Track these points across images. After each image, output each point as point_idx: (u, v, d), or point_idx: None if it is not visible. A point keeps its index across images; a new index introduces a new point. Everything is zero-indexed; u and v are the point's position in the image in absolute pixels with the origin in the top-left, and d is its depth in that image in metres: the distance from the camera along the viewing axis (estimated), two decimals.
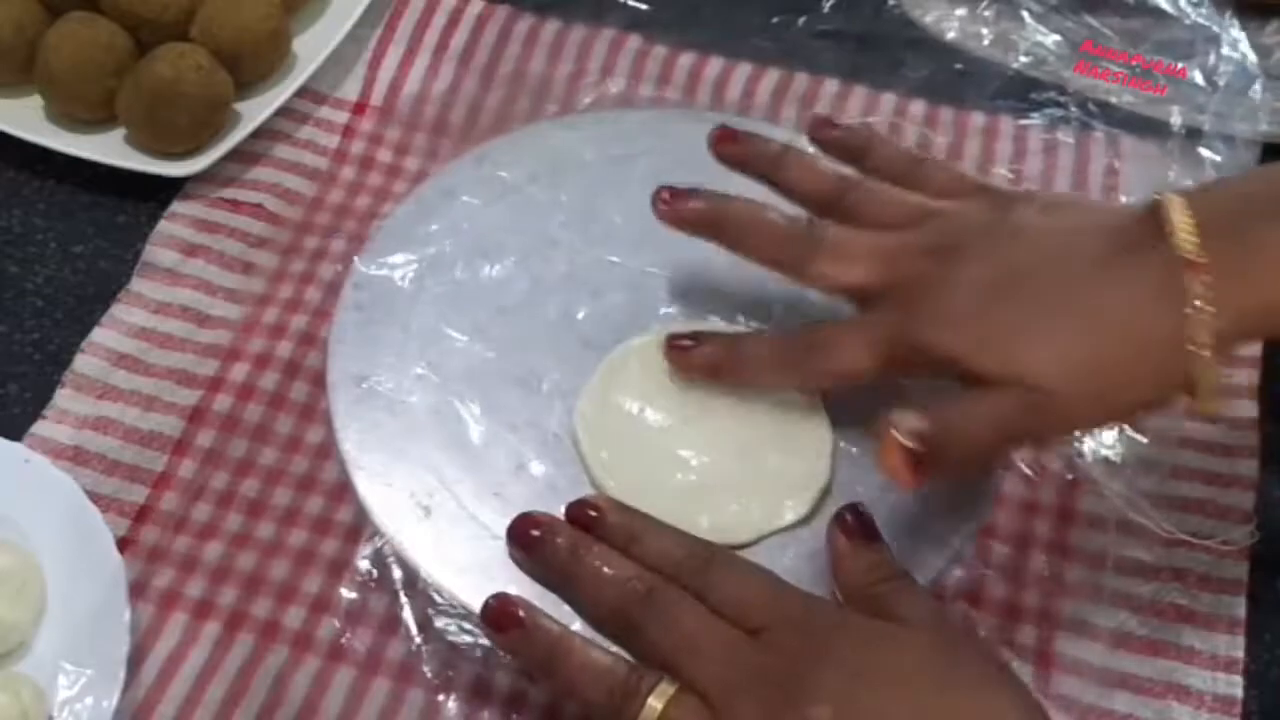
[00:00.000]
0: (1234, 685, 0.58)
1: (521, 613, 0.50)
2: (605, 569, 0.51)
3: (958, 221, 0.55)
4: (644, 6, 0.79)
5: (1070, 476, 0.62)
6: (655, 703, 0.47)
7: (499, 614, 0.51)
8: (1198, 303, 0.49)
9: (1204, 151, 0.72)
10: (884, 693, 0.46)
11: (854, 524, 0.53)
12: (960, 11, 0.78)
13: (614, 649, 0.50)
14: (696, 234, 0.59)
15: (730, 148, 0.61)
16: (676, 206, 0.59)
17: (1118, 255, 0.51)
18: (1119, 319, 0.50)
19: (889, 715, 0.46)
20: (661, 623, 0.49)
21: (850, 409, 0.59)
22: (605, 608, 0.50)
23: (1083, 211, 0.56)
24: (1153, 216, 0.51)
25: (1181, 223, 0.50)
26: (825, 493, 0.58)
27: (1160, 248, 0.50)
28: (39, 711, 0.54)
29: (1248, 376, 0.66)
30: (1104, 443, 0.63)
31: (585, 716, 0.54)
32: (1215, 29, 0.76)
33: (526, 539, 0.52)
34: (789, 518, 0.57)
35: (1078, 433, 0.60)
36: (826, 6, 0.79)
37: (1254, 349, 0.66)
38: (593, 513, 0.53)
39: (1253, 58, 0.76)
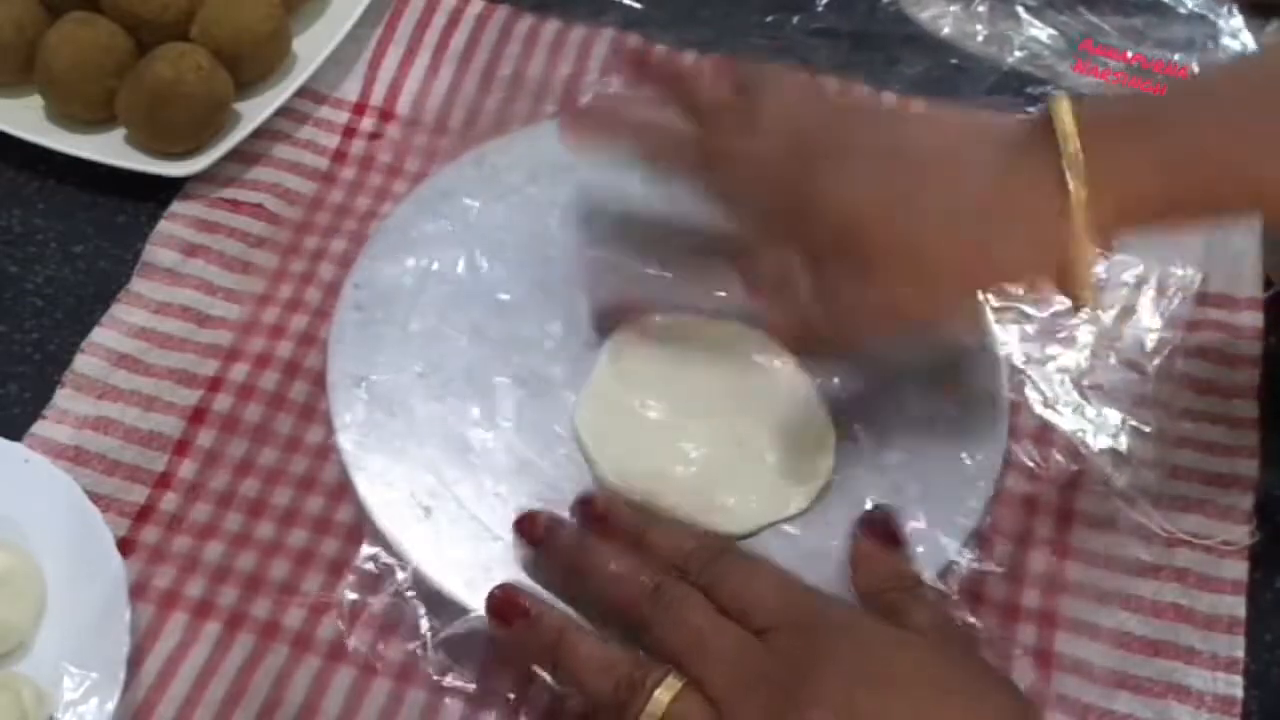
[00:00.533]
0: (1234, 685, 0.58)
1: (527, 603, 0.51)
2: (612, 565, 0.51)
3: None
4: (639, 5, 0.79)
5: (1075, 468, 0.62)
6: (661, 696, 0.48)
7: (504, 604, 0.51)
8: (1077, 191, 0.51)
9: None
10: (884, 696, 0.46)
11: (881, 527, 0.53)
12: (954, 8, 0.78)
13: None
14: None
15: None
16: None
17: (1006, 152, 0.53)
18: (1004, 205, 0.53)
19: (888, 718, 0.46)
20: (669, 619, 0.49)
21: (850, 401, 0.60)
22: (613, 604, 0.50)
23: (971, 119, 0.58)
24: (1041, 118, 0.53)
25: (1065, 120, 0.52)
26: (826, 486, 0.58)
27: (1047, 143, 0.52)
28: (39, 712, 0.54)
29: (1248, 376, 0.66)
30: (1104, 441, 0.63)
31: (587, 713, 0.55)
32: (1214, 19, 0.76)
33: (534, 535, 0.52)
34: (790, 510, 0.57)
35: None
36: (821, 4, 0.79)
37: (1254, 349, 0.67)
38: (599, 509, 0.53)
39: (1254, 48, 0.76)
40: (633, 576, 0.50)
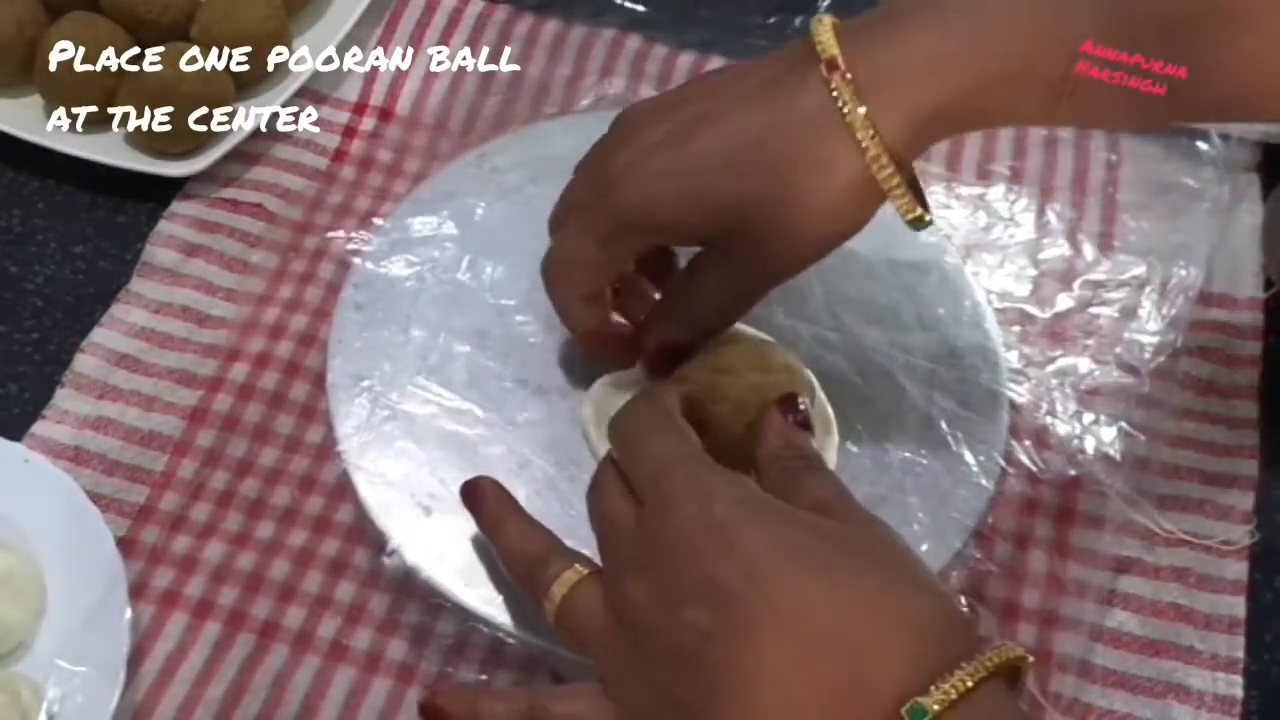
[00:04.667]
0: (1234, 685, 0.58)
1: (485, 490, 0.54)
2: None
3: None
4: (640, 8, 0.79)
5: (1074, 468, 0.62)
6: (558, 589, 0.49)
7: (469, 488, 0.54)
8: (846, 108, 0.49)
9: (1201, 145, 0.72)
10: (793, 577, 0.43)
11: (793, 410, 0.52)
12: None
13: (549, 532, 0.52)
14: None
15: None
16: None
17: (775, 79, 0.52)
18: (784, 138, 0.51)
19: (800, 598, 0.42)
20: (590, 501, 0.50)
21: (850, 401, 0.60)
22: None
23: (746, 64, 0.55)
24: (805, 40, 0.51)
25: (824, 34, 0.50)
26: None
27: (813, 62, 0.50)
28: (39, 712, 0.54)
29: (1248, 376, 0.66)
30: (1104, 441, 0.63)
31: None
32: None
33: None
34: None
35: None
36: (823, 6, 0.79)
37: (1254, 349, 0.67)
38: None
39: None
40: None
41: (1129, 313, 0.67)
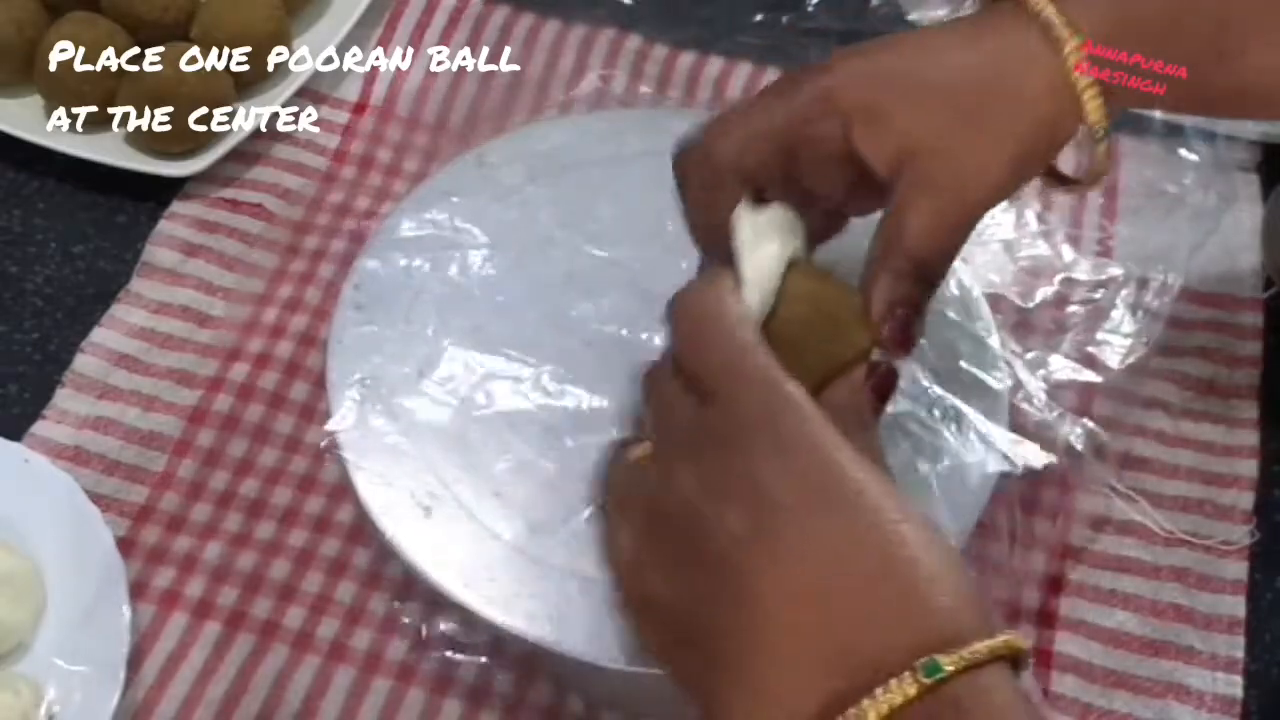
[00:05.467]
0: (1234, 685, 0.58)
1: None
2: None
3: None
4: (626, 2, 0.79)
5: (1074, 468, 0.62)
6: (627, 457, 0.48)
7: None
8: (1065, 34, 0.50)
9: (1184, 152, 0.72)
10: (837, 516, 0.43)
11: (878, 375, 0.51)
12: (943, 11, 0.78)
13: None
14: None
15: None
16: None
17: (981, 24, 0.52)
18: (994, 69, 0.51)
19: (836, 538, 0.42)
20: (644, 392, 0.49)
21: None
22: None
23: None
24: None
25: None
26: None
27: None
28: (39, 712, 0.54)
29: (1248, 376, 0.66)
30: (1102, 444, 0.63)
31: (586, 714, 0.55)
32: None
33: None
34: None
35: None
36: (812, 4, 0.79)
37: (1254, 349, 0.67)
38: None
39: None
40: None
41: (1104, 313, 0.67)
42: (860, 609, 0.41)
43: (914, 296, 0.51)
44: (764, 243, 0.51)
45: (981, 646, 0.40)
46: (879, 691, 0.39)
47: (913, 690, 0.39)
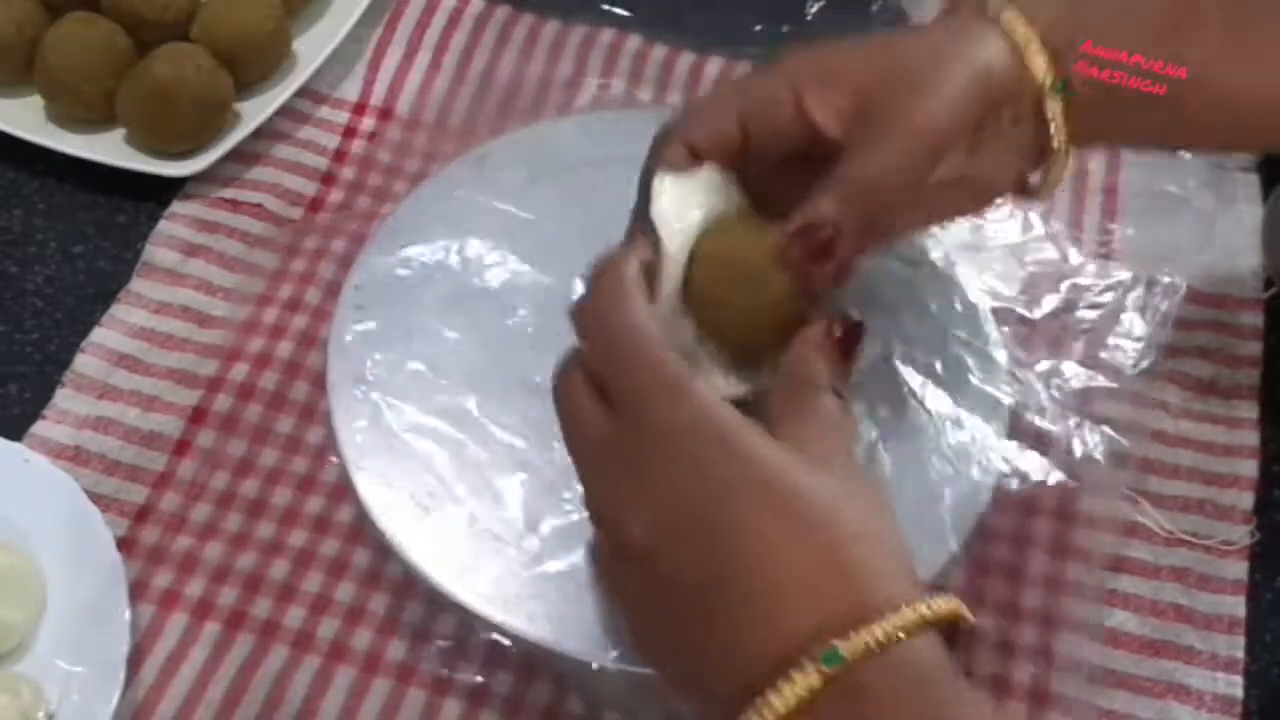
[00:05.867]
0: (1234, 685, 0.58)
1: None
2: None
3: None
4: (625, 12, 0.79)
5: (1073, 469, 0.62)
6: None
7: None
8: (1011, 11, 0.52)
9: (1185, 154, 0.72)
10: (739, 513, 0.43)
11: (842, 331, 0.49)
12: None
13: None
14: None
15: None
16: None
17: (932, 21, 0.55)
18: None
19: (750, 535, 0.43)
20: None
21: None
22: None
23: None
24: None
25: None
26: None
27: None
28: (38, 712, 0.54)
29: (1248, 376, 0.66)
30: (1092, 440, 0.63)
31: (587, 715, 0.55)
32: None
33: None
34: None
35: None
36: (810, 13, 0.79)
37: (1254, 349, 0.67)
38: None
39: None
40: None
41: (1114, 317, 0.67)
42: (770, 599, 0.42)
43: (855, 227, 0.49)
44: (685, 210, 0.50)
45: (891, 623, 0.40)
46: (782, 684, 0.40)
47: (817, 681, 0.39)
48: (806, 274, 0.49)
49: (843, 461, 0.45)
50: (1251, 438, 0.64)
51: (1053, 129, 0.53)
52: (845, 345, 0.48)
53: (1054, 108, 0.52)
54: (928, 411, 0.61)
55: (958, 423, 0.60)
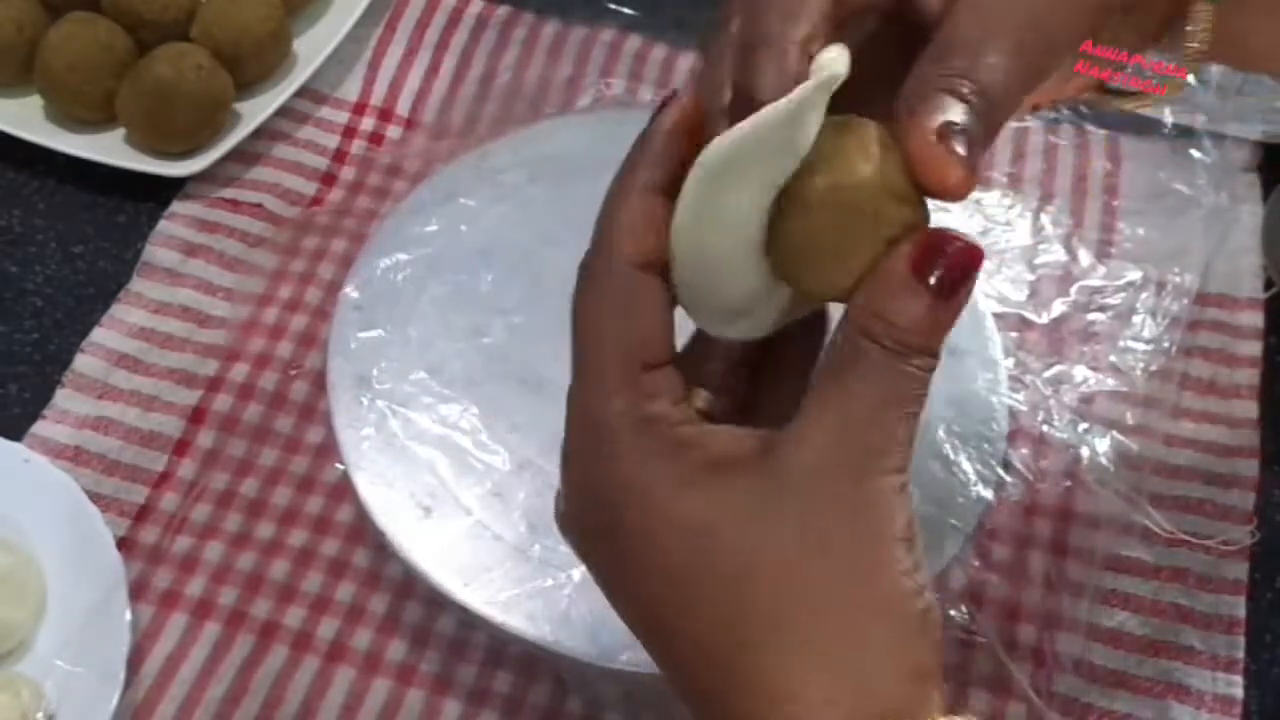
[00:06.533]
0: (1234, 685, 0.58)
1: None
2: None
3: None
4: (629, 11, 0.79)
5: (1069, 483, 0.62)
6: None
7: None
8: None
9: (1195, 153, 0.72)
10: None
11: (938, 259, 0.37)
12: None
13: None
14: None
15: None
16: None
17: None
18: None
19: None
20: None
21: None
22: None
23: None
24: None
25: None
26: None
27: None
28: (39, 711, 0.54)
29: (1248, 376, 0.66)
30: (1100, 450, 0.63)
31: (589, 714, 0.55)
32: None
33: None
34: None
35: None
36: None
37: (1254, 349, 0.67)
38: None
39: None
40: None
41: (1125, 319, 0.67)
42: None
43: (978, 128, 0.36)
44: (729, 190, 0.39)
45: None
46: None
47: None
48: (953, 189, 0.36)
49: (852, 509, 0.38)
50: (1252, 438, 0.64)
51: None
52: (950, 280, 0.36)
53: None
54: (928, 413, 0.61)
55: (958, 423, 0.60)
